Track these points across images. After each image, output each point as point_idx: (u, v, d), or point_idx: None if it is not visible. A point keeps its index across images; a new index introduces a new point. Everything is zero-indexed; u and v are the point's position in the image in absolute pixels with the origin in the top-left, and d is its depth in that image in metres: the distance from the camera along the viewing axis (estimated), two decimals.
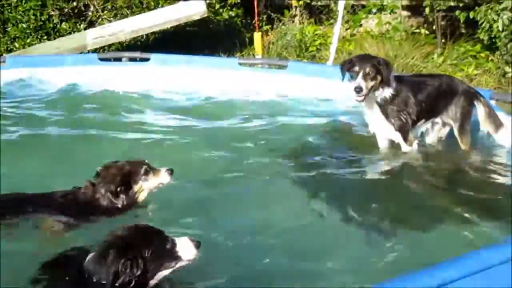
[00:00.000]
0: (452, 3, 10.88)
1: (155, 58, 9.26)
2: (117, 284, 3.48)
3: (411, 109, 6.17)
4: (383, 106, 6.14)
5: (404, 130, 6.20)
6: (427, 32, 11.27)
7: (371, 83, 5.94)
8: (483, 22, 9.60)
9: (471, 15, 9.72)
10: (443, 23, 11.31)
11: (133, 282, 3.51)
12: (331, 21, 12.22)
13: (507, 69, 9.79)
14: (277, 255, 4.46)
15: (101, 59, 9.42)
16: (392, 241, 4.72)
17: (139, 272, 3.51)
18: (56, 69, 9.23)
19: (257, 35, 11.17)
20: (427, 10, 10.83)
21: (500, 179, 5.97)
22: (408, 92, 6.16)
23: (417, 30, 11.42)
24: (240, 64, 9.09)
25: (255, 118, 7.68)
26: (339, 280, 4.13)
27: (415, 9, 12.14)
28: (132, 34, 11.28)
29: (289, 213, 5.16)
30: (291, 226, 4.93)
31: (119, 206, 4.83)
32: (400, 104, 6.12)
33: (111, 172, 4.88)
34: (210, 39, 12.26)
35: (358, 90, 5.91)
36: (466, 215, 5.08)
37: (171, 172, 5.00)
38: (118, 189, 4.81)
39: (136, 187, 4.91)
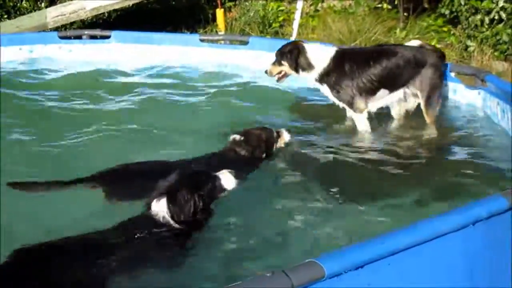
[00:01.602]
0: None
1: (116, 35, 9.15)
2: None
3: (351, 79, 6.39)
4: (324, 84, 6.52)
5: (346, 100, 6.50)
6: (389, 7, 11.27)
7: (278, 68, 6.64)
8: None
9: None
10: None
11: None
12: None
13: (469, 42, 9.89)
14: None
15: (61, 37, 9.25)
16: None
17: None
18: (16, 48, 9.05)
19: (219, 12, 11.10)
20: None
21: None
22: (345, 65, 6.41)
23: (380, 5, 11.42)
24: (201, 40, 9.02)
25: (216, 95, 7.69)
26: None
27: None
28: (93, 12, 11.14)
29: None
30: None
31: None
32: (337, 78, 6.44)
33: (255, 139, 5.65)
34: (172, 16, 12.14)
35: (265, 72, 6.78)
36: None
37: (289, 131, 5.90)
38: (264, 154, 5.67)
39: (274, 149, 5.81)
